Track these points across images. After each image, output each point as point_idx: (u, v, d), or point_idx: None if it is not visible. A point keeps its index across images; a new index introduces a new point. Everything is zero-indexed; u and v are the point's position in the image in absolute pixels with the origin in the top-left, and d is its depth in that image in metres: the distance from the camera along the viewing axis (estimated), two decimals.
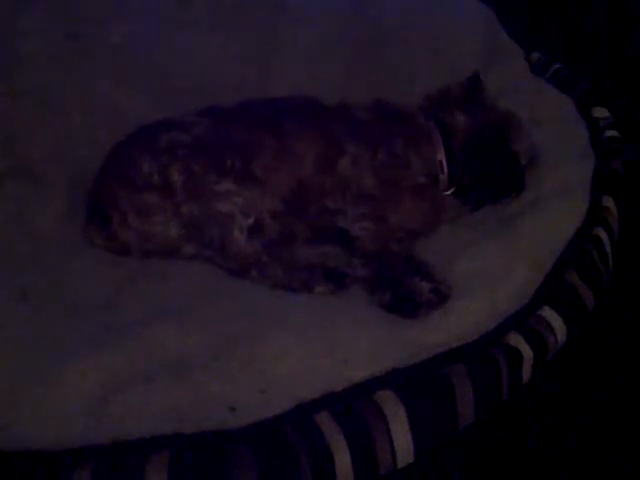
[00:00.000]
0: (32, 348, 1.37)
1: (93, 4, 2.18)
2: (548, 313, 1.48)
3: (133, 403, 1.26)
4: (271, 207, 1.69)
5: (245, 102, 1.87)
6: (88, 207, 1.76)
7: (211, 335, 1.41)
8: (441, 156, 1.82)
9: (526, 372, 1.43)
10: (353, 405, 1.27)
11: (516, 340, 1.42)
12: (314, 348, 1.37)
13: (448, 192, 1.83)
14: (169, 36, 2.20)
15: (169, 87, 2.12)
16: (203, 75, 2.16)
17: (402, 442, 1.26)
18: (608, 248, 1.67)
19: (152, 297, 1.53)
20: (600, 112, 2.04)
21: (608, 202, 1.74)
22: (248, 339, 1.38)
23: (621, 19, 2.90)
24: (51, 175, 1.88)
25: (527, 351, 1.42)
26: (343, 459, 1.21)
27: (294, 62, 2.22)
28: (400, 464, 1.27)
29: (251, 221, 1.64)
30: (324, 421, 1.24)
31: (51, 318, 1.45)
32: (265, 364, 1.34)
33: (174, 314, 1.46)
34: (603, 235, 1.67)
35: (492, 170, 1.78)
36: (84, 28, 2.12)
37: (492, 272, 1.56)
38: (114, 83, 2.09)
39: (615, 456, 1.71)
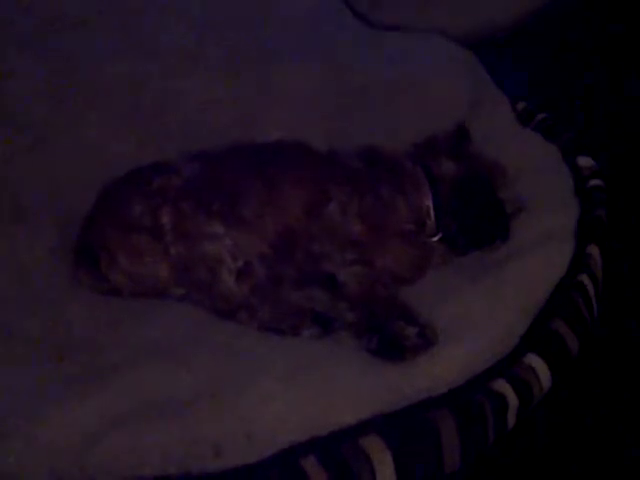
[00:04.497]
0: (17, 389, 1.36)
1: (84, 44, 2.21)
2: (533, 360, 1.49)
3: (118, 445, 1.25)
4: (259, 250, 1.70)
5: (235, 146, 1.89)
6: (78, 248, 1.76)
7: (197, 378, 1.41)
8: (428, 203, 1.83)
9: (511, 418, 1.43)
10: (339, 450, 1.27)
11: (502, 387, 1.43)
12: (300, 392, 1.37)
13: (435, 238, 1.84)
14: (158, 79, 2.23)
15: (158, 130, 2.14)
16: (191, 118, 2.18)
17: None
18: (592, 294, 1.68)
19: (139, 338, 1.53)
20: (585, 161, 2.06)
21: (592, 250, 1.76)
22: (234, 382, 1.38)
23: (610, 69, 2.95)
24: (41, 215, 1.88)
25: (512, 397, 1.42)
26: None
27: (281, 110, 2.24)
28: None
29: (240, 264, 1.65)
30: (310, 466, 1.23)
31: (38, 358, 1.45)
32: (251, 408, 1.33)
33: (161, 355, 1.46)
34: (587, 282, 1.68)
35: (478, 218, 1.79)
36: (73, 68, 2.16)
37: (478, 318, 1.56)
38: (103, 124, 2.11)
39: None
